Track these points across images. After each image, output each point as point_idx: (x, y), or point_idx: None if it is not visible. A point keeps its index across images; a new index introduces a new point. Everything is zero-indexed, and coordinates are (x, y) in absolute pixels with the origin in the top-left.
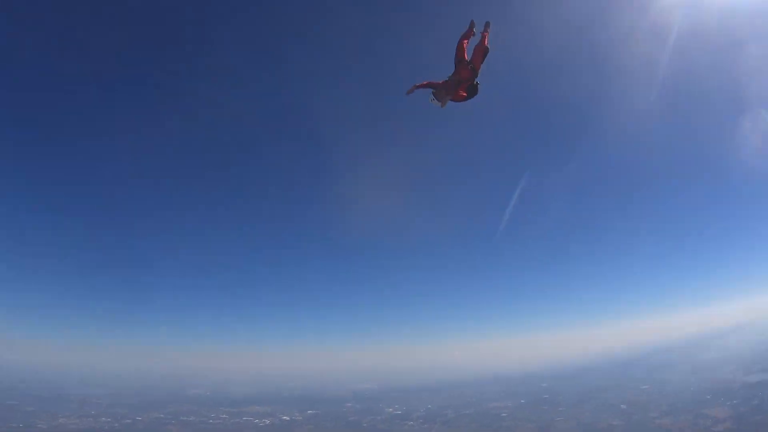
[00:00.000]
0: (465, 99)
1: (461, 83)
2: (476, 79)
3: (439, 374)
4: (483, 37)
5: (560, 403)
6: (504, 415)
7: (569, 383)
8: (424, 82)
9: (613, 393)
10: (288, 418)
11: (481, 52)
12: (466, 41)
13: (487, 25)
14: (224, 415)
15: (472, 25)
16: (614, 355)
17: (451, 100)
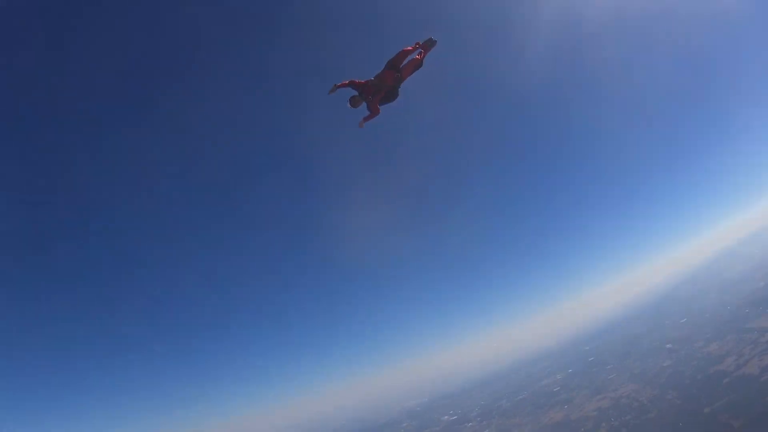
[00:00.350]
0: (379, 103)
1: (383, 88)
2: (399, 88)
3: (482, 370)
4: (423, 53)
5: (607, 361)
6: (557, 389)
7: (609, 340)
8: (346, 82)
9: (654, 336)
10: None
11: (414, 64)
12: (408, 52)
13: (431, 42)
14: None
15: (427, 43)
16: (643, 301)
17: (368, 103)
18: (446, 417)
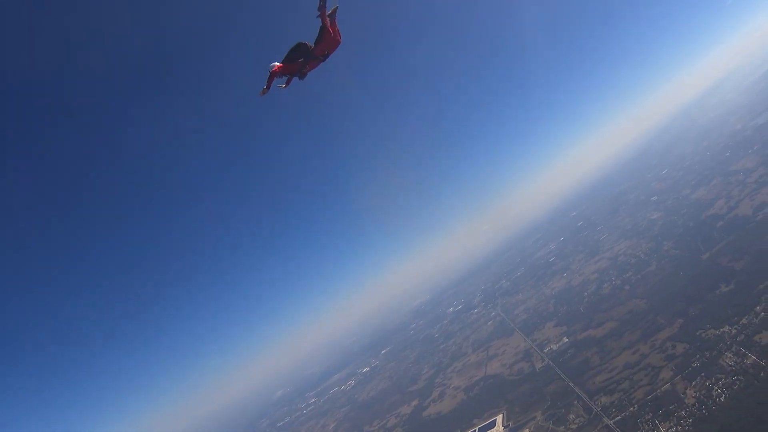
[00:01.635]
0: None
1: (309, 61)
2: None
3: (477, 256)
4: (327, 24)
5: (596, 223)
6: (553, 259)
7: (594, 202)
8: (272, 75)
9: (637, 192)
10: (368, 369)
11: (335, 43)
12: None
13: (335, 11)
14: (313, 399)
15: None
16: (620, 160)
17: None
18: (451, 309)
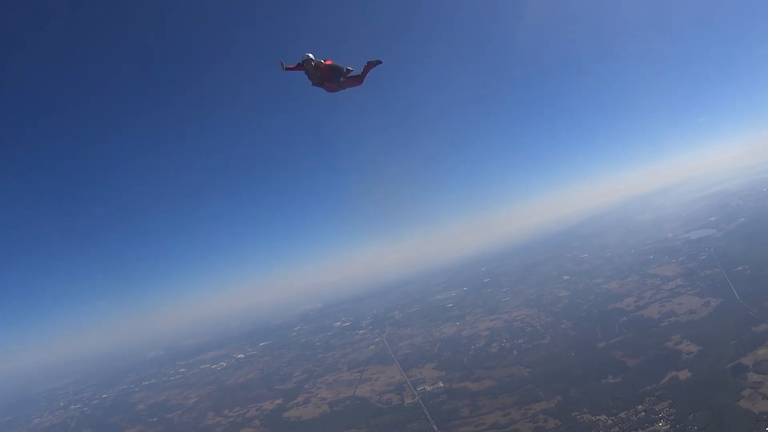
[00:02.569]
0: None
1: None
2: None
3: (377, 280)
4: (365, 72)
5: (502, 284)
6: (451, 305)
7: (507, 263)
8: (293, 67)
9: (552, 266)
10: (243, 356)
11: (354, 82)
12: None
13: (375, 62)
14: (183, 369)
15: (372, 62)
16: (546, 231)
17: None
18: (338, 323)
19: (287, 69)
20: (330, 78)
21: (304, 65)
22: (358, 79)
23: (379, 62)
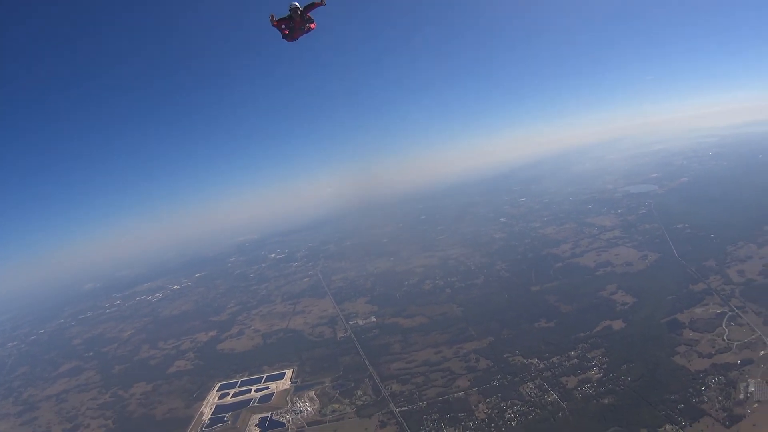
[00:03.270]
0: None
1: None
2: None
3: (316, 212)
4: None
5: (438, 222)
6: (385, 240)
7: (444, 203)
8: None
9: (489, 207)
10: (178, 287)
11: (310, 24)
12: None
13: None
14: (119, 301)
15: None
16: (484, 173)
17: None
18: (273, 255)
19: (275, 24)
20: (305, 22)
21: (289, 16)
22: (311, 22)
23: (323, 4)
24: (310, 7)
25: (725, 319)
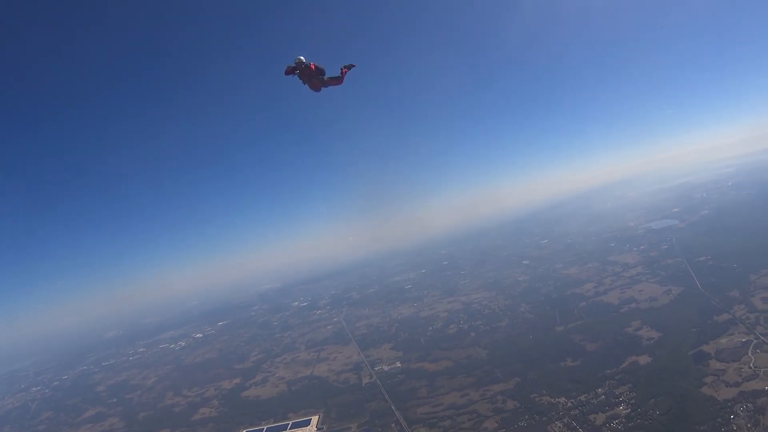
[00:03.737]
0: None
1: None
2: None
3: (336, 261)
4: (343, 74)
5: (461, 266)
6: (408, 287)
7: (467, 247)
8: (293, 69)
9: (512, 250)
10: (201, 335)
11: (336, 81)
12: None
13: (350, 66)
14: (142, 349)
15: (349, 66)
16: (507, 217)
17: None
18: (296, 303)
19: (287, 73)
20: (315, 75)
21: (295, 66)
22: (338, 80)
23: (353, 66)
24: (344, 70)
25: (751, 347)
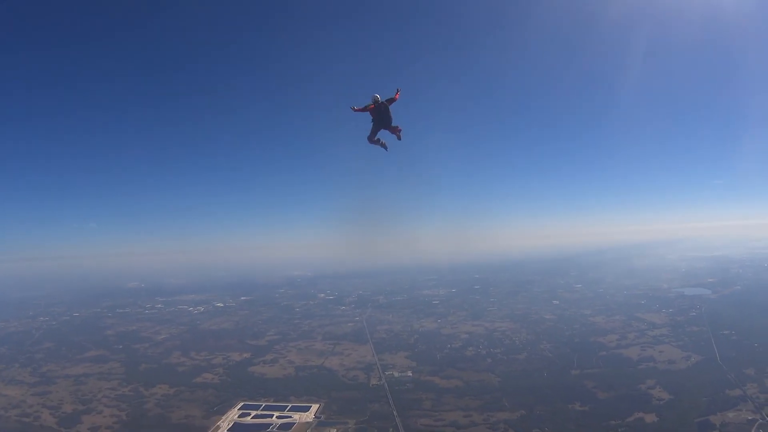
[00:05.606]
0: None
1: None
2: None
3: (371, 264)
4: (398, 131)
5: (491, 294)
6: (436, 302)
7: (501, 276)
8: (361, 108)
9: (545, 288)
10: (222, 305)
11: (395, 130)
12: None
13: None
14: (159, 305)
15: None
16: (547, 253)
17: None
18: (323, 295)
19: (356, 110)
20: (387, 118)
21: (371, 104)
22: (397, 132)
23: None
24: (389, 101)
25: (755, 426)
